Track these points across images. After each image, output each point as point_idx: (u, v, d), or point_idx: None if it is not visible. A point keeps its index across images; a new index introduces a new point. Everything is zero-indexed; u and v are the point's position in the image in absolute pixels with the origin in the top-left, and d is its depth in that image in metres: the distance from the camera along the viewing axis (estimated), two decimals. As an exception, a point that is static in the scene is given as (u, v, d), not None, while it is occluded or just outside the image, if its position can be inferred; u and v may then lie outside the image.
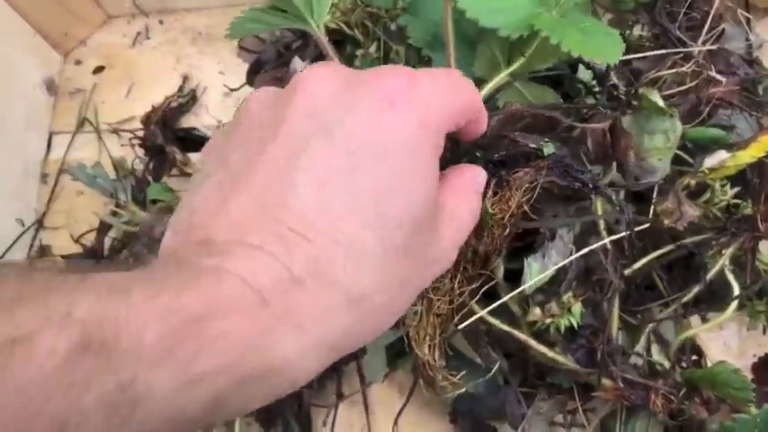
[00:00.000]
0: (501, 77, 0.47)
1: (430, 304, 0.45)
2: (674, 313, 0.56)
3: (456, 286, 0.46)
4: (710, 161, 0.49)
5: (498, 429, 0.58)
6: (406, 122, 0.28)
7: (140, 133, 0.73)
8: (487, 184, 0.42)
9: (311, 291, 0.25)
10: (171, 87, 0.76)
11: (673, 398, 0.52)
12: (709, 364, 0.57)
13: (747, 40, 0.68)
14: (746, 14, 0.68)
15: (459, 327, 0.45)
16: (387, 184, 0.27)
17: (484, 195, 0.42)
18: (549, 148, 0.40)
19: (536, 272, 0.49)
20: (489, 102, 0.47)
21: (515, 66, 0.46)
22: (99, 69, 0.79)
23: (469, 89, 0.34)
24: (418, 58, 0.55)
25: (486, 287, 0.49)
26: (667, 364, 0.56)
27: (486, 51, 0.48)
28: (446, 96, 0.31)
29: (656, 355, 0.58)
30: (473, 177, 0.38)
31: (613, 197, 0.44)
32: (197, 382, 0.22)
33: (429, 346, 0.47)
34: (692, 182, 0.50)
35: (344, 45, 0.62)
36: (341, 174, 0.27)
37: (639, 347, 0.57)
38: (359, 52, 0.60)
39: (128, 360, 0.20)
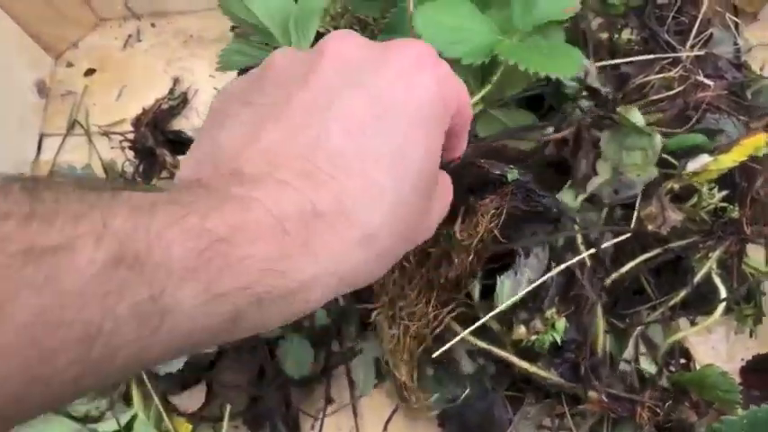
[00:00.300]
0: (473, 105, 0.47)
1: (406, 329, 0.46)
2: (662, 316, 0.56)
3: (430, 310, 0.47)
4: (693, 165, 0.49)
5: (486, 434, 0.57)
6: (432, 86, 0.30)
7: (131, 136, 0.73)
8: (456, 211, 0.43)
9: (330, 225, 0.27)
10: (162, 90, 0.76)
11: (658, 410, 0.52)
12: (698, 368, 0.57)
13: (735, 44, 0.68)
14: (735, 19, 0.69)
15: (434, 354, 0.46)
16: (410, 139, 0.29)
17: (453, 221, 0.44)
18: (512, 175, 0.42)
19: (508, 289, 0.50)
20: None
21: (483, 92, 0.47)
22: (90, 72, 0.79)
23: (464, 87, 0.36)
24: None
25: (460, 309, 0.50)
26: (655, 369, 0.56)
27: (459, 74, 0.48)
28: (455, 79, 0.34)
29: (645, 360, 0.58)
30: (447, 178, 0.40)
31: (576, 219, 0.44)
32: (219, 299, 0.23)
33: (407, 367, 0.48)
34: (676, 186, 0.51)
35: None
36: (370, 124, 0.29)
37: (628, 353, 0.57)
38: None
39: (159, 273, 0.21)
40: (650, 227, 0.49)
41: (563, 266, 0.48)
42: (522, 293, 0.50)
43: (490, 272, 0.51)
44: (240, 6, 0.45)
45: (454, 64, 0.48)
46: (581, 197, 0.50)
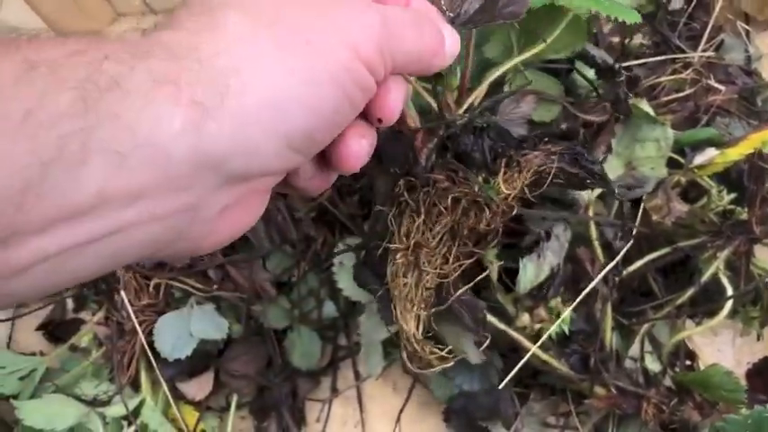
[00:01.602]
0: (515, 61, 0.45)
1: (420, 277, 0.44)
2: (668, 316, 0.56)
3: (451, 259, 0.44)
4: (700, 158, 0.50)
5: (491, 429, 0.58)
6: None
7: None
8: (498, 162, 0.42)
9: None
10: (177, 85, 0.77)
11: (664, 407, 0.52)
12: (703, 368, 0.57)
13: (746, 51, 0.69)
14: (746, 27, 0.69)
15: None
16: None
17: (495, 173, 0.42)
18: None
19: (531, 272, 0.50)
20: (501, 85, 0.47)
21: (533, 52, 0.45)
22: (107, 65, 0.80)
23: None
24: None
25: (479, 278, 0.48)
26: (660, 368, 0.57)
27: (500, 35, 0.47)
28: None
29: (650, 359, 0.58)
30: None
31: (616, 191, 0.44)
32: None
33: (415, 319, 0.45)
34: (683, 179, 0.51)
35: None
36: None
37: (634, 351, 0.58)
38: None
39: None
40: (655, 217, 0.49)
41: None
42: (543, 276, 0.50)
43: (505, 249, 0.51)
44: None
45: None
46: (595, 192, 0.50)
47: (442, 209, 0.42)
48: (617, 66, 0.49)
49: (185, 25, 0.25)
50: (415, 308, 0.44)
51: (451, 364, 0.45)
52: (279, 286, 0.63)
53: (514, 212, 0.42)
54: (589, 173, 0.41)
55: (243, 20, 0.26)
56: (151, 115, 0.22)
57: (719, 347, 0.63)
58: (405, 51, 0.30)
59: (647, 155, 0.50)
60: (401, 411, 0.59)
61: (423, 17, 0.32)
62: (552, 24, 0.44)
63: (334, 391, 0.63)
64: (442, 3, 0.36)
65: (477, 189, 0.41)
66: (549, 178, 0.41)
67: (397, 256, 0.44)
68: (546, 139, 0.42)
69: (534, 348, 0.50)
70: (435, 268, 0.43)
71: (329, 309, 0.63)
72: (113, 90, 0.21)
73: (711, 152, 0.49)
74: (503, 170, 0.41)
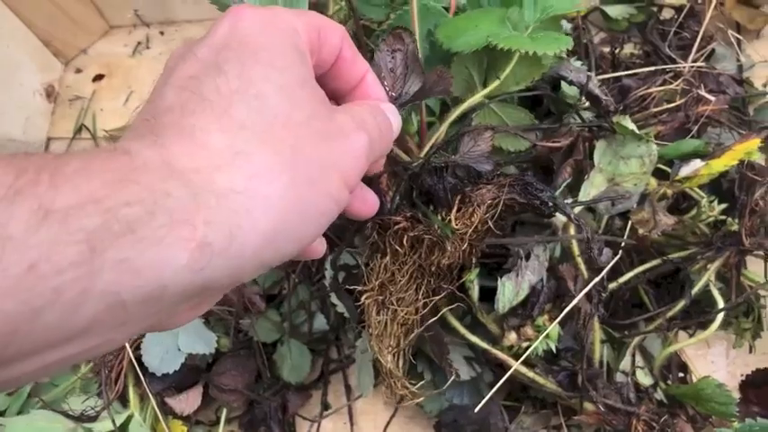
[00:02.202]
0: (476, 98, 0.48)
1: (394, 314, 0.46)
2: (660, 328, 0.55)
3: (420, 297, 0.46)
4: (686, 170, 0.49)
5: (482, 443, 0.57)
6: (245, 21, 0.30)
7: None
8: (452, 199, 0.43)
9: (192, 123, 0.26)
10: (169, 96, 0.77)
11: (654, 424, 0.52)
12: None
13: (738, 60, 0.69)
14: (737, 36, 0.69)
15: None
16: (247, 78, 0.29)
17: (450, 210, 0.43)
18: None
19: (510, 291, 0.50)
20: (464, 121, 0.48)
21: (490, 87, 0.47)
22: (99, 77, 0.81)
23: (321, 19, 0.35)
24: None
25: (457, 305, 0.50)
26: (651, 381, 0.56)
27: (461, 71, 0.49)
28: (295, 13, 0.32)
29: (642, 373, 0.57)
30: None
31: (572, 216, 0.44)
32: (59, 218, 0.21)
33: (393, 354, 0.47)
34: (669, 191, 0.51)
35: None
36: (204, 72, 0.29)
37: (625, 365, 0.57)
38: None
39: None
40: (641, 231, 0.49)
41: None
42: (522, 295, 0.50)
43: (486, 269, 0.51)
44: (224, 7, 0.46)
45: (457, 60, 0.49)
46: (577, 208, 0.50)
47: (406, 248, 0.44)
48: (590, 85, 0.49)
49: (206, 150, 0.26)
50: (392, 343, 0.46)
51: (424, 397, 0.49)
52: (268, 299, 0.62)
53: (480, 244, 0.45)
54: (541, 201, 0.42)
55: (262, 150, 0.27)
56: (160, 257, 0.22)
57: (713, 359, 0.62)
58: (376, 153, 0.34)
59: (630, 171, 0.50)
60: (387, 425, 0.59)
61: (377, 111, 0.35)
62: (506, 60, 0.46)
63: (325, 406, 0.62)
64: (386, 86, 0.42)
65: (435, 227, 0.43)
66: (498, 210, 0.43)
67: (364, 296, 0.46)
68: (498, 172, 0.44)
69: (516, 365, 0.50)
70: (408, 305, 0.44)
71: (320, 322, 0.63)
72: (126, 236, 0.22)
73: (697, 164, 0.49)
74: (456, 206, 0.43)
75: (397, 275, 0.45)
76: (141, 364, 0.57)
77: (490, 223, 0.43)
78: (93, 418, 0.57)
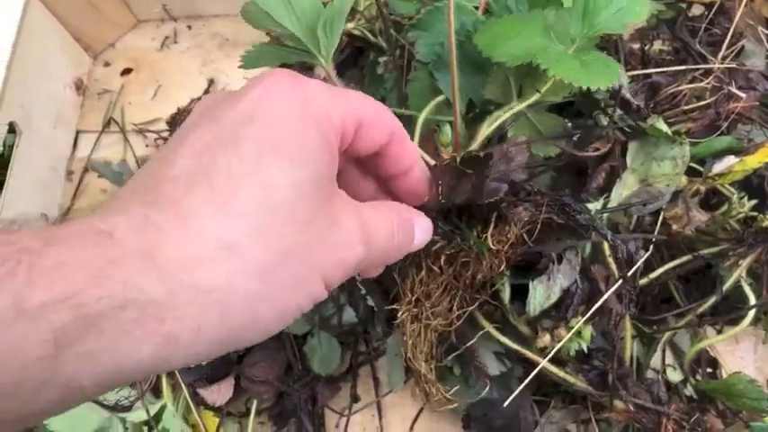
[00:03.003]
0: (513, 109, 0.48)
1: (428, 324, 0.47)
2: (690, 324, 0.55)
3: (455, 308, 0.47)
4: (719, 167, 0.50)
5: (511, 437, 0.58)
6: (290, 105, 0.30)
7: (165, 134, 0.75)
8: (489, 217, 0.44)
9: (177, 230, 0.25)
10: (197, 90, 0.78)
11: (684, 423, 0.52)
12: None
13: (767, 57, 0.68)
14: (767, 32, 0.69)
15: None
16: (265, 166, 0.28)
17: (486, 227, 0.44)
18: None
19: (541, 295, 0.50)
20: (500, 130, 0.49)
21: (529, 100, 0.48)
22: (127, 71, 0.81)
23: (366, 100, 0.34)
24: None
25: (487, 307, 0.51)
26: (681, 377, 0.56)
27: (500, 75, 0.49)
28: (337, 94, 0.32)
29: (672, 370, 0.58)
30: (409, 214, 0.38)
31: (608, 235, 0.44)
32: (32, 314, 0.21)
33: (426, 360, 0.48)
34: (702, 187, 0.51)
35: (368, 52, 0.63)
36: (216, 151, 0.28)
37: (656, 360, 0.57)
38: (381, 59, 0.61)
39: None
40: (675, 227, 0.49)
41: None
42: (554, 299, 0.50)
43: (518, 269, 0.52)
44: (265, 17, 0.46)
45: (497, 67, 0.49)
46: (608, 210, 0.50)
47: (441, 264, 0.44)
48: (623, 91, 0.50)
49: (196, 239, 0.25)
50: (425, 349, 0.47)
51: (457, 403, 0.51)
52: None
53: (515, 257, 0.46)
54: (575, 222, 0.43)
55: (253, 246, 0.26)
56: (123, 349, 0.23)
57: (741, 355, 0.62)
58: (377, 263, 0.35)
59: (663, 172, 0.50)
60: (415, 421, 0.59)
61: (403, 222, 0.35)
62: (545, 73, 0.46)
63: (355, 399, 0.63)
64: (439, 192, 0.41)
65: (471, 244, 0.43)
66: (537, 230, 0.44)
67: (400, 312, 0.47)
68: (536, 189, 0.44)
69: (543, 362, 0.50)
70: (442, 316, 0.45)
71: (348, 314, 0.63)
72: (92, 331, 0.22)
73: (731, 160, 0.49)
74: (492, 225, 0.43)
75: (431, 288, 0.45)
76: (175, 355, 0.58)
77: (527, 240, 0.43)
78: (128, 408, 0.58)
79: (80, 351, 0.22)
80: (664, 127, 0.50)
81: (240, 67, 0.51)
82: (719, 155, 0.51)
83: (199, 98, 0.76)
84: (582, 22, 0.45)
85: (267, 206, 0.26)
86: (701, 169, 0.55)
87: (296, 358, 0.62)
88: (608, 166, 0.51)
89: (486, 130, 0.48)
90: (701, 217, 0.49)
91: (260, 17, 0.45)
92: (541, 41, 0.46)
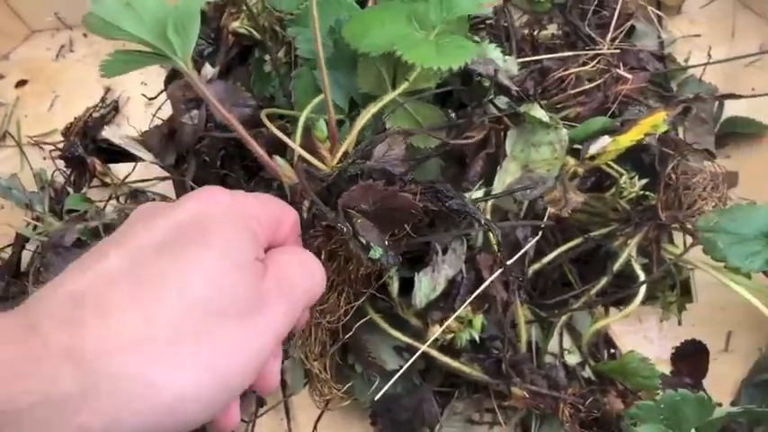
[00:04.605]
0: (386, 100, 0.47)
1: (317, 323, 0.46)
2: (586, 305, 0.56)
3: (342, 304, 0.47)
4: (594, 147, 0.50)
5: (418, 430, 0.57)
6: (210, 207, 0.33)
7: (62, 145, 0.72)
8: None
9: (98, 321, 0.27)
10: (95, 99, 0.76)
11: (580, 407, 0.52)
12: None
13: (659, 37, 0.69)
14: (658, 12, 0.70)
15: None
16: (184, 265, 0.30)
17: None
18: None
19: (426, 286, 0.50)
20: (376, 121, 0.48)
21: (400, 90, 0.47)
22: (22, 83, 0.79)
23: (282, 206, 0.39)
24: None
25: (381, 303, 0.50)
26: (579, 359, 0.56)
27: (371, 67, 0.49)
28: (254, 200, 0.36)
29: (570, 354, 0.58)
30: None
31: (482, 221, 0.44)
32: None
33: (317, 359, 0.48)
34: (579, 169, 0.51)
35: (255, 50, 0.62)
36: (147, 253, 0.30)
37: (554, 346, 0.57)
38: (268, 57, 0.60)
39: None
40: (553, 210, 0.49)
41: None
42: (439, 290, 0.50)
43: (409, 261, 0.51)
44: (108, 26, 0.43)
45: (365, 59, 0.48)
46: (490, 197, 0.50)
47: (323, 260, 0.44)
48: (499, 76, 0.50)
49: (117, 332, 0.26)
50: (316, 350, 0.46)
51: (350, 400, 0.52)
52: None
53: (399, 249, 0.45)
54: (449, 209, 0.43)
55: (172, 337, 0.27)
56: None
57: (645, 334, 0.63)
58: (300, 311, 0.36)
59: (542, 157, 0.50)
60: (318, 420, 0.58)
61: (308, 268, 0.37)
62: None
63: (260, 403, 0.62)
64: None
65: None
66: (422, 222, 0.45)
67: None
68: (411, 178, 0.44)
69: (436, 355, 0.50)
70: (330, 313, 0.45)
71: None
72: (11, 426, 0.23)
73: (605, 140, 0.49)
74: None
75: None
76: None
77: (408, 229, 0.43)
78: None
79: None
80: (539, 113, 0.50)
81: (102, 76, 0.48)
82: (596, 136, 0.51)
83: (95, 107, 0.74)
84: (440, 6, 0.45)
85: (186, 298, 0.28)
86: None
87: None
88: (485, 154, 0.51)
89: (359, 122, 0.47)
90: (577, 198, 0.49)
91: (103, 26, 0.43)
92: (404, 29, 0.46)
